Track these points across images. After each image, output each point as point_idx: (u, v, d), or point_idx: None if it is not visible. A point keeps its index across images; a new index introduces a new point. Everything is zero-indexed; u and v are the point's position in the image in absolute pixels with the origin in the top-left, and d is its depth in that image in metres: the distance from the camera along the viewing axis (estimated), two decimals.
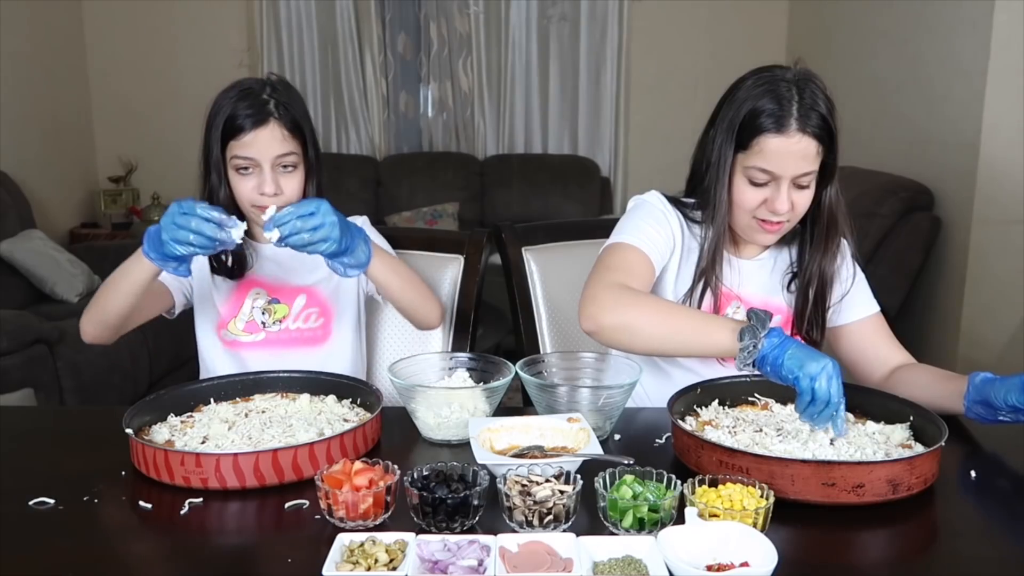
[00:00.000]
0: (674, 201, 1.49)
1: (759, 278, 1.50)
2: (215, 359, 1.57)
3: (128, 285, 1.39)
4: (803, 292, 1.47)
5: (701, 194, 1.45)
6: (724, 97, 1.42)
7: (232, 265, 1.55)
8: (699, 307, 1.44)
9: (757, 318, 1.18)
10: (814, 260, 1.45)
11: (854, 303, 1.50)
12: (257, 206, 1.50)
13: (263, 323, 1.55)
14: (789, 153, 1.34)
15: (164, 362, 3.32)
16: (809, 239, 1.46)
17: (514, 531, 0.96)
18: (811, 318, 1.47)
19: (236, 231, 1.27)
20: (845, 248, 1.51)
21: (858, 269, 1.52)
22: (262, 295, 1.56)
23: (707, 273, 1.43)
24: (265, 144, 1.47)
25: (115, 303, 1.42)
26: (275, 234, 1.29)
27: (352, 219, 1.66)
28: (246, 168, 1.48)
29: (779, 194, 1.35)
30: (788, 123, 1.33)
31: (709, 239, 1.43)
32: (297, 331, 1.56)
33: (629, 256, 1.40)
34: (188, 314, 1.60)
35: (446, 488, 0.98)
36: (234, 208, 1.53)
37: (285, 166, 1.49)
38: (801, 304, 1.47)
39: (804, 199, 1.39)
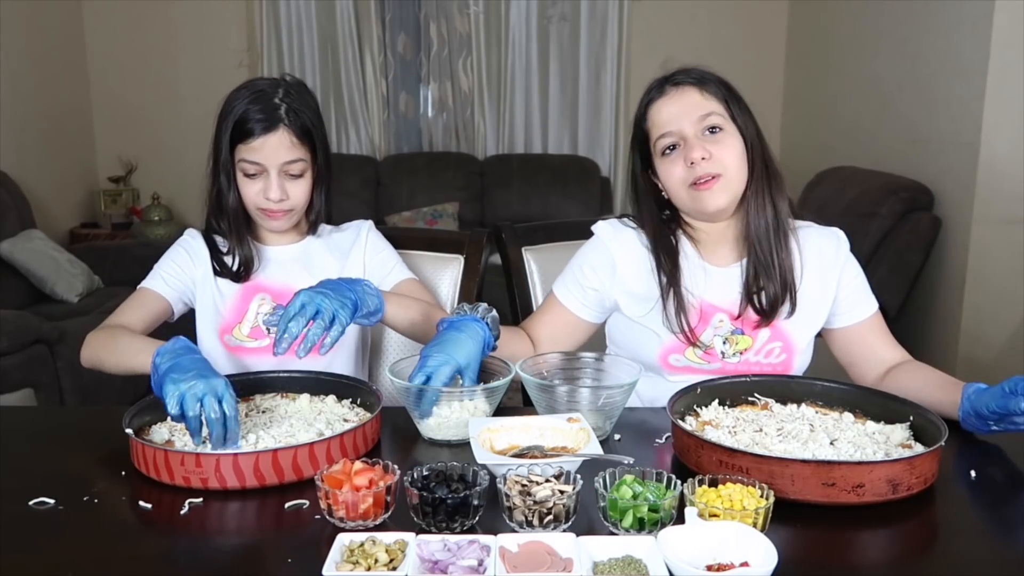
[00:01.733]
0: (635, 218, 1.52)
1: (734, 282, 1.45)
2: (217, 364, 1.55)
3: (129, 365, 1.38)
4: (751, 266, 1.43)
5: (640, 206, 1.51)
6: None
7: (238, 269, 1.55)
8: (678, 318, 1.42)
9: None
10: (749, 217, 1.43)
11: (854, 304, 1.48)
12: (262, 208, 1.51)
13: (268, 328, 1.55)
14: (675, 106, 1.41)
15: None
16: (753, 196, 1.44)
17: (514, 531, 0.96)
18: (768, 290, 1.42)
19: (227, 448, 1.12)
20: (840, 239, 1.50)
21: (858, 266, 1.50)
22: (267, 300, 1.55)
23: (671, 282, 1.43)
24: (273, 150, 1.47)
25: (113, 366, 1.43)
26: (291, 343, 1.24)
27: (356, 223, 1.66)
28: (253, 173, 1.48)
29: (689, 144, 1.39)
30: (663, 88, 1.44)
31: (653, 250, 1.46)
32: (301, 337, 1.55)
33: (546, 305, 1.55)
34: (188, 316, 1.59)
35: (446, 488, 0.98)
36: (241, 209, 1.53)
37: (292, 173, 1.50)
38: (750, 278, 1.43)
39: (722, 147, 1.39)
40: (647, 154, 1.47)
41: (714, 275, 1.46)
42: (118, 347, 1.42)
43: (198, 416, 1.11)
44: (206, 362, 1.17)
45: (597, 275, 1.49)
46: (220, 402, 1.11)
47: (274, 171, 1.48)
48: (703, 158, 1.37)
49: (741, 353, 1.45)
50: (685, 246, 1.48)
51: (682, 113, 1.40)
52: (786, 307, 1.43)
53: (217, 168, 1.52)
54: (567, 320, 1.52)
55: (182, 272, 1.56)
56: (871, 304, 1.49)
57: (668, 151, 1.42)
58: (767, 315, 1.43)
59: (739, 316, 1.44)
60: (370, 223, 1.67)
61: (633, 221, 1.52)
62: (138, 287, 1.56)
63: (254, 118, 1.46)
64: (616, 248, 1.49)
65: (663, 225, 1.48)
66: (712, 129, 1.39)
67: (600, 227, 1.53)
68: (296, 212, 1.54)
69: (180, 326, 1.59)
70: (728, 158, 1.39)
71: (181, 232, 1.63)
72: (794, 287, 1.43)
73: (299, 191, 1.51)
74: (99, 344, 1.45)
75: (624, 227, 1.52)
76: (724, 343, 1.45)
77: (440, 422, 1.24)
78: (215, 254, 1.57)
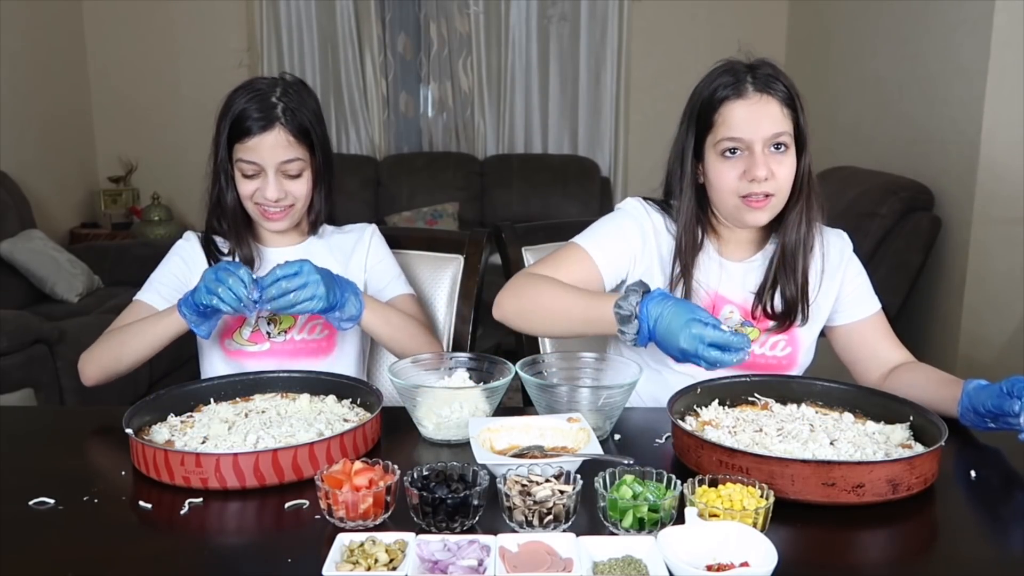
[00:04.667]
0: (660, 204, 1.50)
1: (752, 280, 1.47)
2: (217, 370, 1.55)
3: (153, 341, 1.42)
4: (772, 269, 1.44)
5: (678, 189, 1.46)
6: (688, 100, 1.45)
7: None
8: None
9: (624, 312, 1.20)
10: (784, 229, 1.42)
11: (856, 302, 1.49)
12: (261, 208, 1.50)
13: (268, 333, 1.54)
14: (753, 114, 1.36)
15: (164, 362, 3.32)
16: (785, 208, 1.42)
17: (514, 531, 0.96)
18: (785, 294, 1.43)
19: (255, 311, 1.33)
20: (845, 241, 1.51)
21: (861, 267, 1.51)
22: None
23: (684, 273, 1.43)
24: (269, 149, 1.46)
25: (133, 356, 1.44)
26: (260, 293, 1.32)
27: (360, 226, 1.65)
28: (251, 173, 1.48)
29: (755, 159, 1.35)
30: (745, 87, 1.37)
31: (679, 236, 1.44)
32: (303, 342, 1.55)
33: (570, 254, 1.44)
34: None
35: (446, 488, 0.98)
36: (240, 209, 1.53)
37: (290, 173, 1.49)
38: (769, 280, 1.44)
39: (783, 167, 1.37)
40: (700, 138, 1.42)
41: (730, 269, 1.47)
42: (129, 340, 1.44)
43: (231, 294, 1.28)
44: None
45: (628, 243, 1.45)
46: (224, 273, 1.28)
47: (271, 170, 1.47)
48: (765, 178, 1.35)
49: None
50: (704, 240, 1.47)
51: (757, 123, 1.35)
52: (799, 319, 1.44)
53: (217, 168, 1.51)
54: (592, 274, 1.44)
55: (178, 281, 1.55)
56: (873, 303, 1.50)
57: (729, 153, 1.38)
58: (779, 322, 1.44)
59: (751, 315, 1.45)
60: (374, 227, 1.65)
61: (656, 204, 1.50)
62: (133, 299, 1.54)
63: (251, 117, 1.46)
64: (648, 225, 1.47)
65: (695, 212, 1.45)
66: (778, 146, 1.37)
67: (631, 203, 1.50)
68: (296, 210, 1.53)
69: (182, 339, 1.58)
70: (784, 178, 1.37)
71: (181, 232, 1.62)
72: (807, 300, 1.44)
73: (298, 189, 1.50)
74: (103, 351, 1.45)
75: (653, 209, 1.49)
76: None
77: (440, 422, 1.24)
78: (213, 255, 1.55)
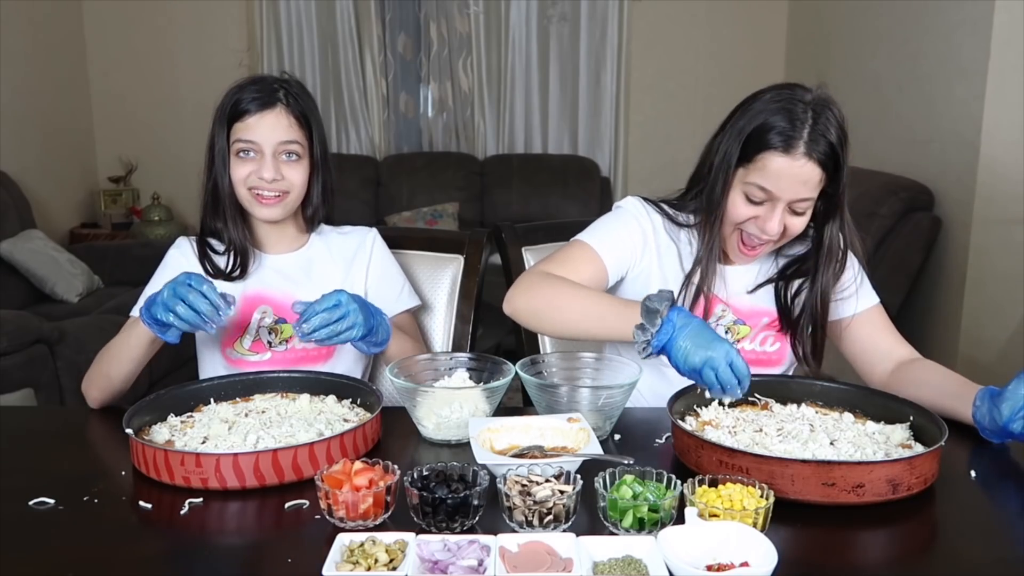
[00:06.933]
0: (657, 204, 1.50)
1: (745, 280, 1.49)
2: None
3: (129, 352, 1.42)
4: (801, 313, 1.47)
5: (700, 195, 1.45)
6: (739, 106, 1.40)
7: (232, 267, 1.52)
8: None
9: (652, 306, 1.18)
10: (816, 286, 1.45)
11: (852, 297, 1.49)
12: (255, 192, 1.47)
13: (269, 343, 1.53)
14: (791, 176, 1.32)
15: (164, 362, 3.31)
16: (813, 267, 1.45)
17: (514, 531, 0.96)
18: (805, 337, 1.47)
19: (228, 314, 1.32)
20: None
21: (856, 262, 1.51)
22: (268, 313, 1.53)
23: (701, 280, 1.43)
24: (269, 128, 1.45)
25: (119, 370, 1.44)
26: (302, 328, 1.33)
27: (360, 230, 1.64)
28: (247, 152, 1.46)
29: (773, 215, 1.35)
30: (796, 145, 1.31)
31: (705, 242, 1.43)
32: (303, 350, 1.54)
33: (577, 252, 1.44)
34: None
35: (446, 488, 0.98)
36: (234, 198, 1.50)
37: (289, 153, 1.47)
38: (796, 320, 1.47)
39: (797, 225, 1.38)
40: (741, 158, 1.37)
41: (726, 272, 1.48)
42: (109, 354, 1.45)
43: (184, 314, 1.27)
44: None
45: (632, 241, 1.46)
46: (191, 284, 1.27)
47: (269, 150, 1.45)
48: (774, 235, 1.37)
49: (738, 341, 1.48)
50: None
51: (792, 184, 1.32)
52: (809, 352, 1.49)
53: (213, 160, 1.49)
54: (599, 272, 1.43)
55: None
56: (871, 298, 1.50)
57: (753, 199, 1.36)
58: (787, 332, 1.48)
59: (754, 331, 1.47)
60: (375, 233, 1.64)
61: (654, 205, 1.50)
62: (131, 315, 1.51)
63: (250, 97, 1.45)
64: (648, 225, 1.47)
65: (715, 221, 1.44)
66: (800, 208, 1.37)
67: (631, 202, 1.50)
68: (291, 200, 1.50)
69: (181, 341, 1.57)
70: (792, 233, 1.39)
71: (181, 233, 1.61)
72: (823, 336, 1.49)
73: (294, 175, 1.48)
74: (96, 373, 1.46)
75: (653, 210, 1.49)
76: (727, 332, 1.47)
77: (440, 422, 1.24)
78: (207, 258, 1.53)
